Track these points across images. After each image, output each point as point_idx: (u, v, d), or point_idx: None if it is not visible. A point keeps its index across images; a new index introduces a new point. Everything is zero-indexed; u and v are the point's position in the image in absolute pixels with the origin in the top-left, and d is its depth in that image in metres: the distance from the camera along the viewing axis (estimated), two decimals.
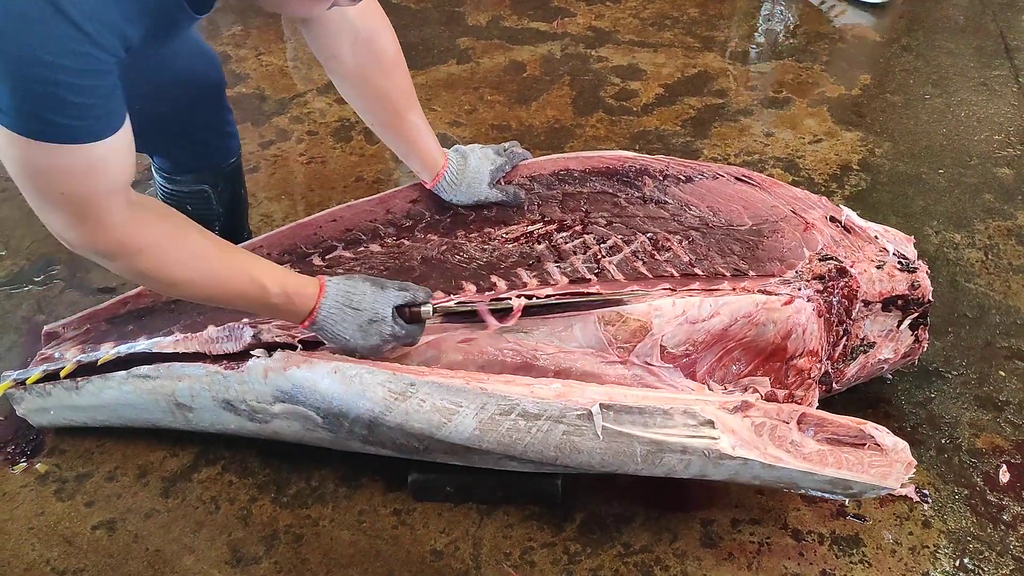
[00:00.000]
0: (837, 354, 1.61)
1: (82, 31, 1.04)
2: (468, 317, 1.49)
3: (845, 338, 1.60)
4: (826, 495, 1.43)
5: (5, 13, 1.00)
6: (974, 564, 1.48)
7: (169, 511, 1.58)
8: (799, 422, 1.40)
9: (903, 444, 1.40)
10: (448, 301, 1.53)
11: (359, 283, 1.43)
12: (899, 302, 1.61)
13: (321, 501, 1.60)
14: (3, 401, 1.70)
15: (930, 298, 1.63)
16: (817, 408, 1.55)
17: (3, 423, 1.73)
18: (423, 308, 1.44)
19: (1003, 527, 1.54)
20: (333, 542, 1.54)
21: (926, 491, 1.58)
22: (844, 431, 1.41)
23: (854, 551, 1.51)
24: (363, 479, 1.63)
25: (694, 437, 1.33)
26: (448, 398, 1.37)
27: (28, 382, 1.62)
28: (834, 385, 1.64)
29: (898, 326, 1.64)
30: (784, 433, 1.38)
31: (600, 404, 1.33)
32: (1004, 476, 1.62)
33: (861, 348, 1.63)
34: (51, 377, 1.61)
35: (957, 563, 1.48)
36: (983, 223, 2.22)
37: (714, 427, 1.33)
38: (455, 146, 1.78)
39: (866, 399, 1.75)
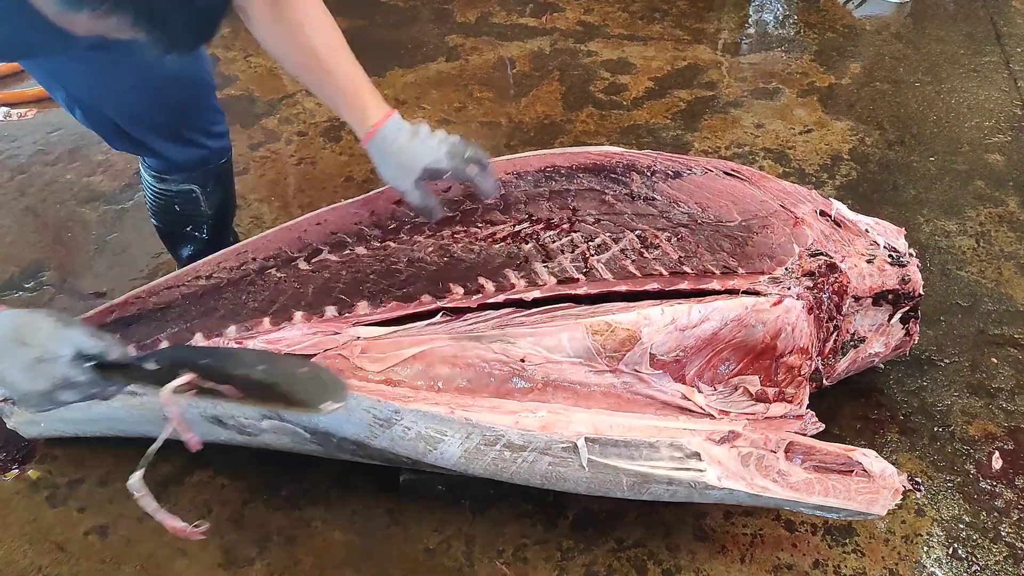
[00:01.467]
0: (827, 350, 1.61)
1: None
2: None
3: (835, 334, 1.60)
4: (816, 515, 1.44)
5: None
6: (967, 551, 1.48)
7: None
8: (787, 451, 1.41)
9: (891, 470, 1.40)
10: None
11: (38, 317, 1.16)
12: (890, 296, 1.61)
13: (314, 502, 1.60)
14: None
15: (921, 292, 1.63)
16: (808, 403, 1.55)
17: None
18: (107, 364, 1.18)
19: (996, 514, 1.53)
20: (326, 542, 1.54)
21: (919, 479, 1.58)
22: (832, 459, 1.41)
23: (847, 541, 1.51)
24: (355, 480, 1.63)
25: (680, 469, 1.35)
26: (433, 427, 1.37)
27: None
28: (825, 381, 1.64)
29: (888, 320, 1.63)
30: (771, 463, 1.39)
31: (585, 438, 1.34)
32: (996, 462, 1.61)
33: (851, 343, 1.63)
34: None
35: (950, 550, 1.48)
36: (974, 210, 2.22)
37: (700, 459, 1.34)
38: (419, 120, 1.61)
39: (858, 389, 1.75)
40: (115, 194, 2.36)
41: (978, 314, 1.92)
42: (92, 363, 1.17)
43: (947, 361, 1.81)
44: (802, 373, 1.55)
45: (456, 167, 1.57)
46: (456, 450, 1.37)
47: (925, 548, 1.49)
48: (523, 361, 1.44)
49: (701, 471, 1.33)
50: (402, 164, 1.56)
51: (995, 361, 1.81)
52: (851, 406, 1.72)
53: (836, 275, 1.56)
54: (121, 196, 2.33)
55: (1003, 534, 1.50)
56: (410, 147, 1.55)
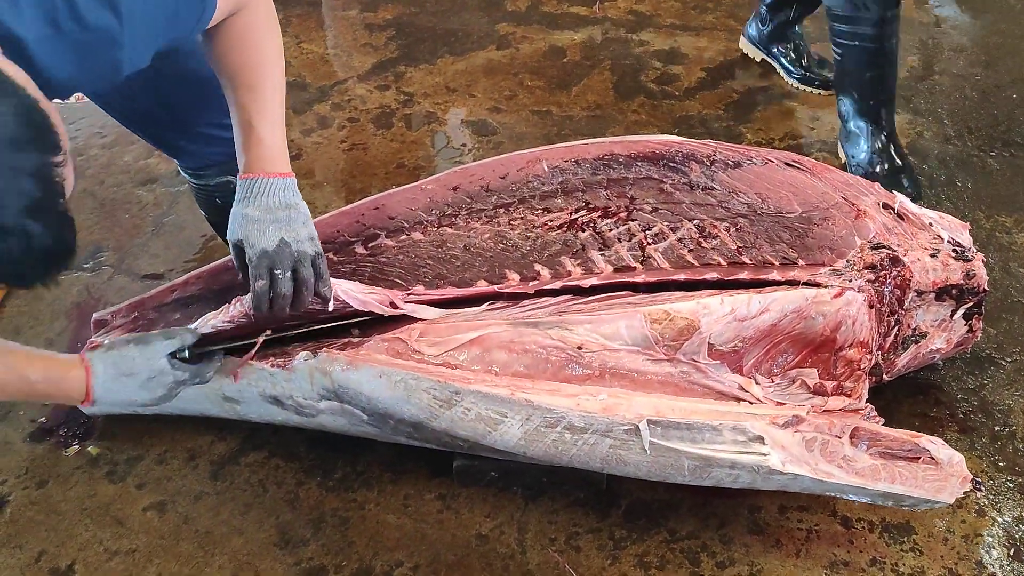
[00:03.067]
0: (888, 344, 1.58)
1: None
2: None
3: (896, 328, 1.57)
4: (877, 504, 1.42)
5: None
6: None
7: (218, 493, 1.60)
8: (852, 436, 1.39)
9: (959, 457, 1.38)
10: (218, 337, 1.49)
11: (123, 349, 1.41)
12: (953, 291, 1.58)
13: (367, 485, 1.61)
14: None
15: (985, 287, 1.59)
16: (867, 398, 1.53)
17: (55, 407, 1.76)
18: (189, 351, 1.45)
19: None
20: (379, 525, 1.55)
21: (979, 479, 1.56)
22: (898, 445, 1.39)
23: (905, 539, 1.49)
24: (408, 464, 1.64)
25: (743, 453, 1.33)
26: (493, 408, 1.37)
27: None
28: (884, 376, 1.61)
29: (951, 316, 1.60)
30: (836, 448, 1.37)
31: (648, 420, 1.33)
32: None
33: (913, 338, 1.60)
34: None
35: (1011, 551, 1.46)
36: None
37: (764, 443, 1.33)
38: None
39: (917, 386, 1.72)
40: (171, 176, 2.38)
41: None
42: (184, 357, 1.43)
43: (1008, 360, 1.78)
44: (861, 367, 1.53)
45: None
46: (516, 432, 1.37)
47: (985, 549, 1.47)
48: (580, 348, 1.44)
49: (765, 455, 1.32)
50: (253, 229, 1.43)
51: None
52: (909, 403, 1.70)
53: (898, 269, 1.53)
54: (177, 179, 2.36)
55: None
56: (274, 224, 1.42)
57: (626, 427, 1.34)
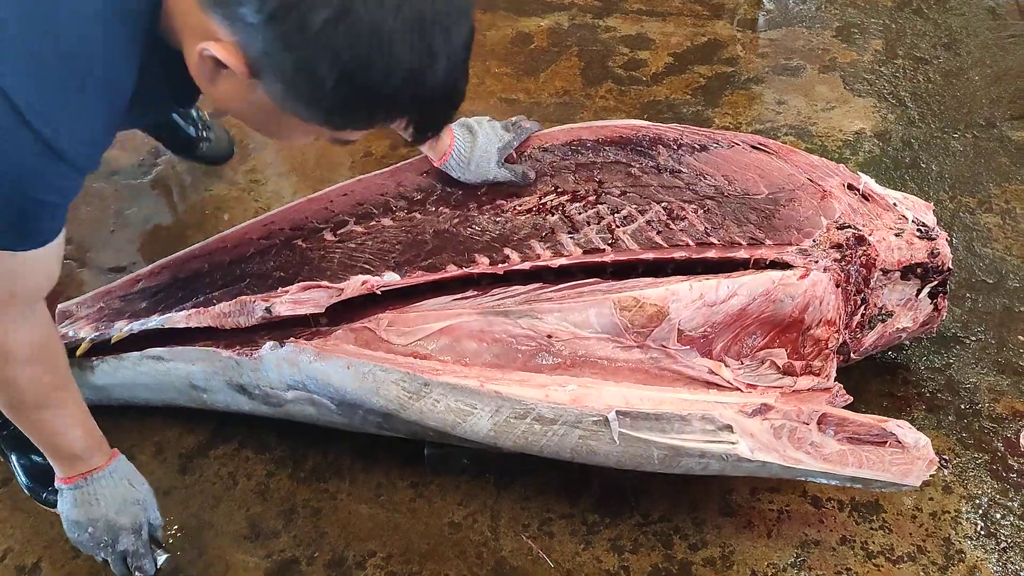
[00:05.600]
0: (855, 323, 1.60)
1: (75, 167, 1.04)
2: None
3: (863, 307, 1.59)
4: (845, 488, 1.44)
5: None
6: (995, 528, 1.47)
7: (187, 487, 1.58)
8: (819, 422, 1.40)
9: (925, 440, 1.39)
10: None
11: (139, 476, 1.43)
12: (918, 270, 1.59)
13: (338, 475, 1.60)
14: None
15: (950, 266, 1.61)
16: (835, 377, 1.54)
17: None
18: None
19: None
20: (351, 515, 1.54)
21: (946, 456, 1.58)
22: (865, 430, 1.40)
23: (874, 517, 1.50)
24: (379, 453, 1.63)
25: (712, 442, 1.34)
26: (462, 399, 1.37)
27: None
28: (852, 355, 1.63)
29: (917, 295, 1.62)
30: (804, 435, 1.38)
31: (617, 411, 1.33)
32: None
33: (879, 317, 1.62)
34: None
35: (978, 527, 1.48)
36: (999, 187, 2.19)
37: (732, 432, 1.34)
38: (461, 120, 1.74)
39: (884, 366, 1.74)
40: (133, 169, 2.34)
41: (1004, 291, 1.90)
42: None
43: (973, 339, 1.80)
44: (829, 346, 1.54)
45: (515, 134, 1.75)
46: (486, 423, 1.37)
47: (953, 525, 1.48)
48: (550, 337, 1.43)
49: (733, 443, 1.33)
50: (479, 163, 1.70)
51: (1022, 339, 1.79)
52: (877, 383, 1.71)
53: (864, 248, 1.55)
54: (139, 171, 2.32)
55: None
56: (478, 146, 1.70)
57: (595, 418, 1.34)
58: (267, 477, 1.60)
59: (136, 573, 1.40)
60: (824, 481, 1.40)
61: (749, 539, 1.48)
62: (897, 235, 1.59)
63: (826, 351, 1.54)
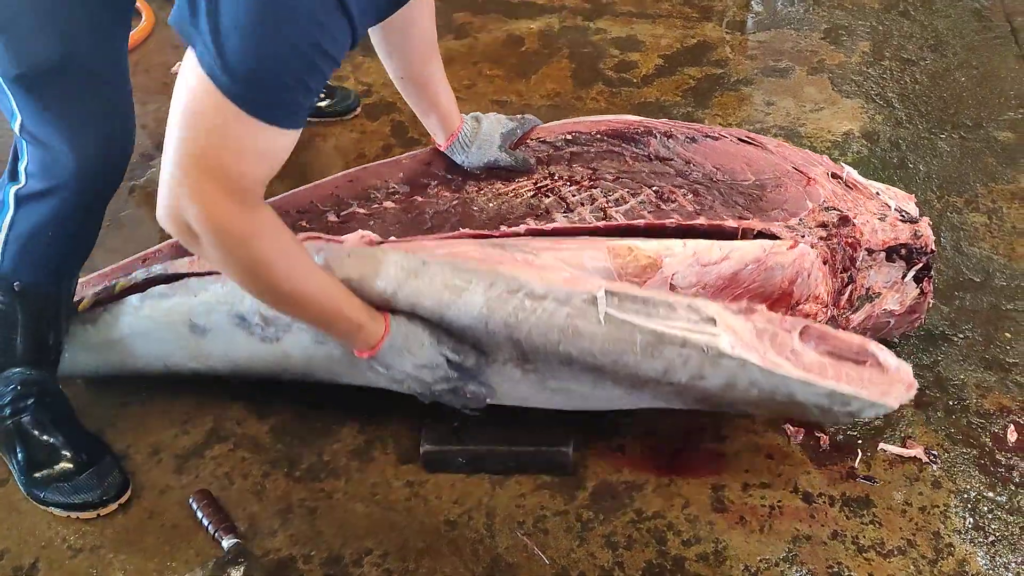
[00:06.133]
0: (842, 302, 1.64)
1: (351, 26, 1.09)
2: None
3: (850, 286, 1.63)
4: (823, 409, 1.41)
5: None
6: (984, 523, 1.50)
7: (183, 487, 1.59)
8: (802, 333, 1.41)
9: (907, 366, 1.40)
10: None
11: (417, 328, 1.41)
12: (902, 251, 1.64)
13: (334, 475, 1.61)
14: None
15: (932, 247, 1.66)
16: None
17: None
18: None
19: (1012, 486, 1.55)
20: (347, 514, 1.55)
21: (935, 452, 1.60)
22: (846, 347, 1.40)
23: (864, 512, 1.52)
24: (375, 452, 1.64)
25: (695, 332, 1.33)
26: (459, 275, 1.38)
27: None
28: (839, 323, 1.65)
29: (903, 278, 1.67)
30: (785, 341, 1.38)
31: (606, 290, 1.35)
32: (1012, 436, 1.63)
33: (867, 297, 1.67)
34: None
35: (968, 522, 1.50)
36: (985, 187, 2.22)
37: (715, 324, 1.33)
38: (472, 113, 1.84)
39: None
40: (128, 170, 2.34)
41: (991, 289, 1.92)
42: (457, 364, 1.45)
43: (961, 336, 1.82)
44: (818, 321, 1.57)
45: (519, 124, 1.85)
46: (479, 299, 1.37)
47: (942, 519, 1.50)
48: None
49: (715, 335, 1.33)
50: (482, 145, 1.79)
51: (1008, 336, 1.82)
52: None
53: (849, 228, 1.60)
54: (132, 173, 2.32)
55: (1021, 506, 1.52)
56: (483, 130, 1.80)
57: (584, 296, 1.35)
58: (263, 477, 1.61)
59: (468, 396, 1.48)
60: (801, 397, 1.38)
61: (741, 535, 1.50)
62: (881, 219, 1.64)
63: None
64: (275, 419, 1.70)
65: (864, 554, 1.46)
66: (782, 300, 1.54)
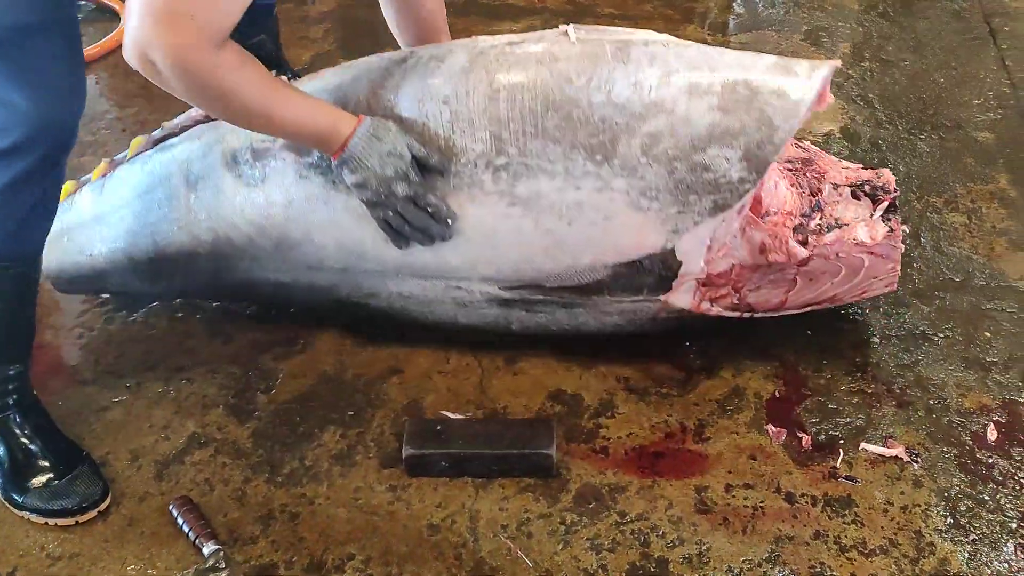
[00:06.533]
0: (812, 225, 1.71)
1: None
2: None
3: (819, 214, 1.72)
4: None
5: None
6: (966, 520, 1.50)
7: (163, 494, 1.58)
8: None
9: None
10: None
11: (388, 122, 1.51)
12: (866, 187, 1.76)
13: (316, 480, 1.60)
14: None
15: (895, 188, 1.75)
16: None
17: None
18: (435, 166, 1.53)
19: (993, 484, 1.56)
20: (330, 520, 1.54)
21: (916, 451, 1.61)
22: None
23: (846, 511, 1.52)
24: (357, 457, 1.63)
25: (654, 36, 1.57)
26: (442, 48, 1.59)
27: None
28: (812, 250, 1.67)
29: (871, 216, 1.73)
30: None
31: (573, 26, 1.55)
32: (992, 434, 1.64)
33: (836, 225, 1.72)
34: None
35: (949, 520, 1.50)
36: (965, 187, 2.24)
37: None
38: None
39: (855, 364, 1.77)
40: None
41: (971, 289, 1.94)
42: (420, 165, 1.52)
43: (941, 336, 1.83)
44: (787, 226, 1.68)
45: None
46: (462, 58, 1.53)
47: (924, 518, 1.51)
48: None
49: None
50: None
51: (988, 335, 1.83)
52: (847, 381, 1.74)
53: (812, 167, 1.78)
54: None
55: (1001, 504, 1.53)
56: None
57: (557, 32, 1.55)
58: (244, 483, 1.60)
59: (429, 209, 1.54)
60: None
61: (725, 535, 1.50)
62: (844, 169, 1.80)
63: (784, 230, 1.66)
64: (256, 423, 1.69)
65: (846, 554, 1.47)
66: (752, 208, 1.62)
